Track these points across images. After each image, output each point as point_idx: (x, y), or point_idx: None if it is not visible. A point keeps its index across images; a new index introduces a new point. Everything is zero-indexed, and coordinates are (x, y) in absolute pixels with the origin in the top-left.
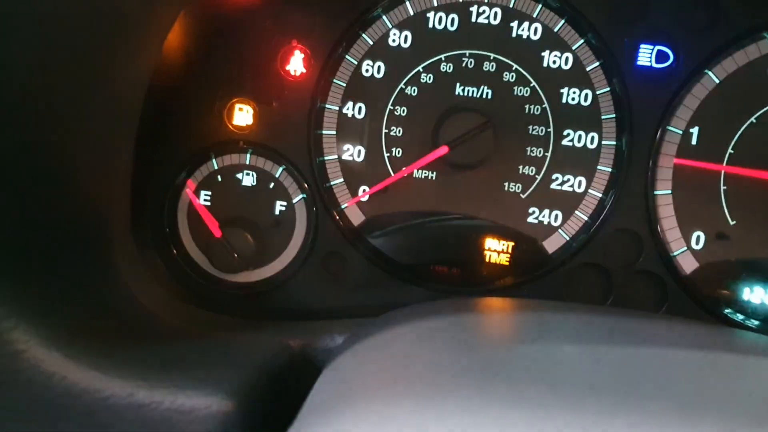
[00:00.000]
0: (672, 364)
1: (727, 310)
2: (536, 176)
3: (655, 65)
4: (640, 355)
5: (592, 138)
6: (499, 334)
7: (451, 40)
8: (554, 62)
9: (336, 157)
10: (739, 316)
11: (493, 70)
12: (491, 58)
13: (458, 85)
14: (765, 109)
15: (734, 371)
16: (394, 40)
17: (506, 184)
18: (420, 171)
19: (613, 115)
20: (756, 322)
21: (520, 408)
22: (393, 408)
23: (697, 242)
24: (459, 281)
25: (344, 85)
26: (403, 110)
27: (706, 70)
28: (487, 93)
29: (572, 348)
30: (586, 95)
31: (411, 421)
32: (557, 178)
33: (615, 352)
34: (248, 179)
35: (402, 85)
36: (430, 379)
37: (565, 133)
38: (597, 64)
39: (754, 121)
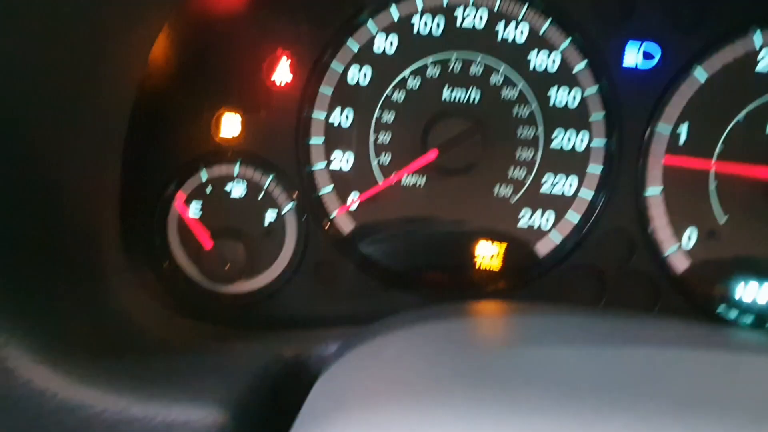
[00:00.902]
0: (668, 363)
1: (720, 309)
2: (526, 179)
3: (641, 64)
4: (636, 356)
5: (582, 139)
6: (493, 338)
7: (438, 44)
8: (541, 63)
9: (324, 165)
10: (732, 314)
11: (480, 72)
12: (478, 60)
13: (446, 88)
14: (752, 105)
15: (730, 369)
16: (379, 46)
17: (496, 187)
18: (409, 177)
19: (602, 116)
20: (749, 320)
21: (517, 411)
22: (390, 414)
23: (689, 241)
24: (451, 287)
25: (330, 92)
26: (391, 116)
27: (693, 68)
28: (475, 96)
29: (567, 350)
30: (575, 96)
31: (408, 428)
32: (548, 181)
33: (610, 353)
34: (237, 190)
35: (389, 90)
36: (425, 384)
37: (554, 134)
38: (584, 64)
39: (742, 117)
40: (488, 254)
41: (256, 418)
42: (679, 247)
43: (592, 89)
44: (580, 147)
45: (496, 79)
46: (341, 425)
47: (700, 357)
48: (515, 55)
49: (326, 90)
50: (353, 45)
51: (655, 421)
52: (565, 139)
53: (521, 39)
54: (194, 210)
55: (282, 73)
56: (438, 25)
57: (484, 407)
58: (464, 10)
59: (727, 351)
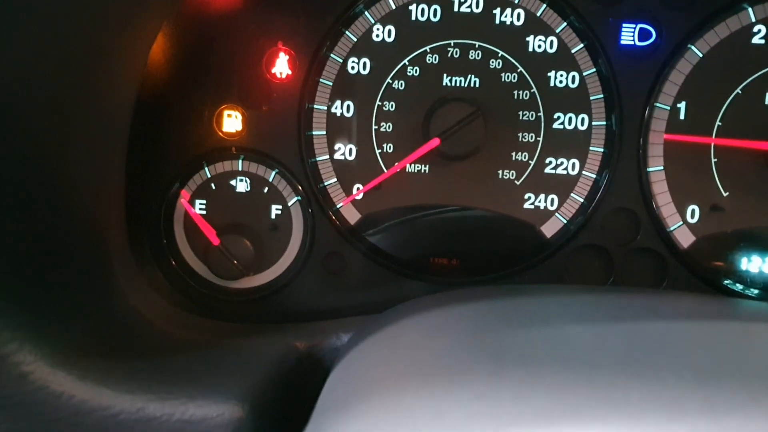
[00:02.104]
0: (681, 336)
1: (726, 281)
2: (530, 162)
3: (638, 43)
4: (648, 331)
5: (582, 119)
6: (506, 320)
7: (435, 31)
8: (539, 46)
9: (328, 157)
10: (739, 286)
11: (479, 58)
12: (476, 46)
13: (445, 75)
14: (749, 79)
15: (741, 339)
16: (377, 35)
17: (500, 172)
18: (413, 165)
19: (601, 96)
20: (755, 291)
21: (538, 388)
22: (409, 398)
23: (693, 216)
24: (459, 272)
25: (331, 84)
26: (392, 105)
27: (689, 45)
28: (475, 82)
29: (582, 328)
30: (573, 77)
31: (429, 410)
32: (551, 162)
33: (624, 329)
34: (242, 185)
35: (389, 79)
36: (443, 367)
37: (555, 116)
38: (581, 45)
39: (740, 92)
40: (495, 238)
41: (272, 411)
42: (683, 222)
43: (590, 70)
44: (582, 128)
45: (495, 63)
46: (362, 411)
47: (714, 329)
48: (513, 38)
49: (327, 81)
50: (352, 35)
51: (675, 391)
52: (566, 121)
53: (518, 23)
54: (199, 207)
55: (282, 67)
56: (435, 11)
57: (504, 385)
58: None
59: (738, 322)
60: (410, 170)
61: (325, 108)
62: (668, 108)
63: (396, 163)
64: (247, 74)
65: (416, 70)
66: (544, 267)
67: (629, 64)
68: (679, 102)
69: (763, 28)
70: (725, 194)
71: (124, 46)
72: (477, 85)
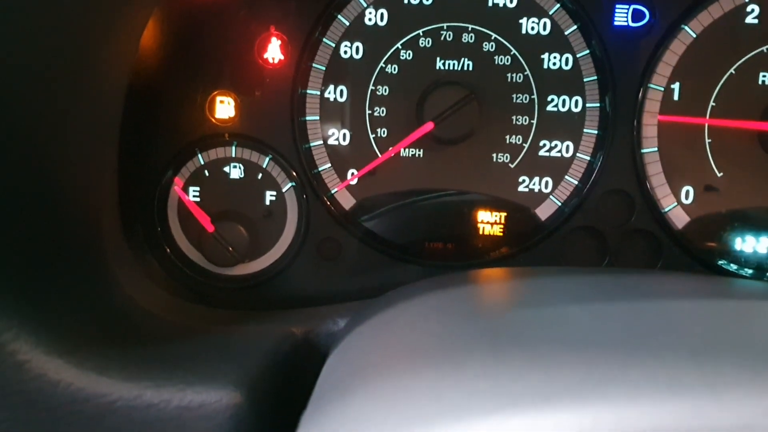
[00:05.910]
0: (676, 315)
1: (720, 261)
2: (524, 144)
3: (632, 24)
4: (644, 310)
5: (576, 102)
6: (502, 301)
7: (428, 14)
8: (532, 28)
9: (322, 142)
10: (733, 266)
11: (472, 41)
12: (469, 29)
13: (438, 59)
14: (743, 59)
15: (736, 317)
16: (370, 19)
17: (494, 155)
18: (407, 149)
19: (595, 77)
20: (749, 271)
21: (536, 368)
22: (406, 381)
23: (687, 197)
24: (454, 256)
25: (324, 69)
26: (385, 89)
27: (683, 26)
28: (468, 65)
29: (578, 309)
30: (567, 59)
31: (426, 393)
32: (545, 145)
33: (620, 309)
34: (236, 172)
35: (382, 64)
36: (439, 350)
37: (549, 98)
38: (575, 27)
39: (733, 72)
40: (490, 221)
41: (270, 397)
42: (678, 203)
43: (584, 52)
44: (576, 110)
45: (488, 46)
46: (360, 394)
47: (710, 307)
48: (506, 21)
49: (319, 66)
50: (344, 19)
51: (673, 370)
52: (560, 103)
53: (511, 5)
54: (193, 195)
55: (274, 52)
56: None
57: (502, 365)
58: None
59: (733, 300)
60: (404, 155)
61: (318, 93)
62: (662, 89)
63: (390, 148)
64: (239, 60)
65: (409, 54)
66: (539, 250)
67: (623, 45)
68: (673, 83)
69: (756, 7)
70: (719, 175)
71: (115, 33)
72: (470, 69)
